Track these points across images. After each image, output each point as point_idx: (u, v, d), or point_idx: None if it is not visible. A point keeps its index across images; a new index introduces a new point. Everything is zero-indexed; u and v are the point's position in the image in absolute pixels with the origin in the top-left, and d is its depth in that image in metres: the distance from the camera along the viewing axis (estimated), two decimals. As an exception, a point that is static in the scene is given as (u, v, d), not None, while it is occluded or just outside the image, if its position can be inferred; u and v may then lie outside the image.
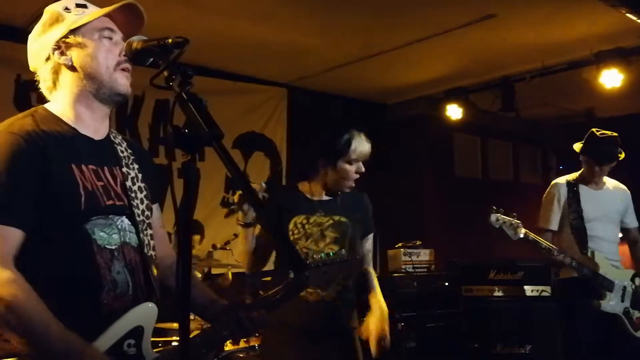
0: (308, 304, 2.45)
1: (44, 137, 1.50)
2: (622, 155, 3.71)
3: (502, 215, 3.26)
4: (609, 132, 3.74)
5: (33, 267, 1.46)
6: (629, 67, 5.08)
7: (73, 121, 1.59)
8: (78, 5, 1.60)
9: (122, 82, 1.59)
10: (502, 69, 5.77)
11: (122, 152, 1.68)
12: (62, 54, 1.57)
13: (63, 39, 1.56)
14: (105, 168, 1.61)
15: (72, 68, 1.57)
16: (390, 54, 5.28)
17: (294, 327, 2.46)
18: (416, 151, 6.97)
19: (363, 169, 2.56)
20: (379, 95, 6.75)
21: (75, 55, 1.56)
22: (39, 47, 1.60)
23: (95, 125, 1.62)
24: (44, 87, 1.62)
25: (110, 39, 1.59)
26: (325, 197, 2.59)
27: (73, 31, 1.56)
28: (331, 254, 1.94)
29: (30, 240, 1.46)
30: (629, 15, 4.41)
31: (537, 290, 5.10)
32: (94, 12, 1.60)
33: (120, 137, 1.73)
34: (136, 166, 1.70)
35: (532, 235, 3.35)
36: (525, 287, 5.19)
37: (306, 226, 2.49)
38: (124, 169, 1.65)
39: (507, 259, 5.33)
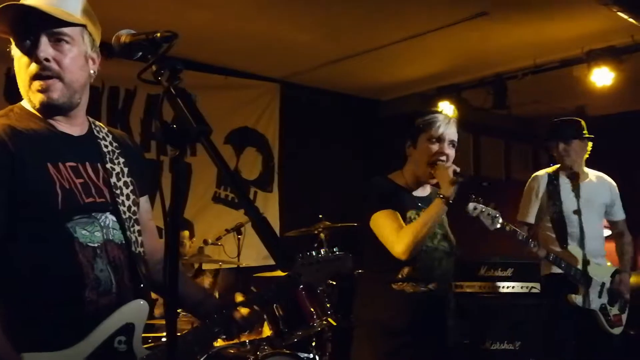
0: (409, 297, 2.32)
1: (17, 138, 1.47)
2: (587, 134, 3.71)
3: (480, 204, 3.25)
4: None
5: (18, 266, 1.46)
6: (620, 65, 5.10)
7: (45, 119, 1.55)
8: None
9: (38, 98, 1.50)
10: (495, 66, 5.78)
11: (106, 147, 1.65)
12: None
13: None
14: (87, 164, 1.58)
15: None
16: (383, 51, 5.28)
17: (396, 328, 2.31)
18: (408, 148, 6.97)
19: (450, 152, 2.39)
20: (372, 91, 6.75)
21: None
22: None
23: (69, 124, 1.59)
24: None
25: (24, 44, 1.49)
26: (422, 193, 2.48)
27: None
28: (322, 252, 1.92)
29: (14, 240, 1.45)
30: (620, 14, 4.43)
31: (527, 287, 5.13)
32: None
33: (105, 131, 1.69)
34: (122, 160, 1.66)
35: (509, 226, 3.30)
36: (515, 283, 5.22)
37: None
38: (108, 165, 1.62)
39: (497, 255, 5.35)
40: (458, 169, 2.32)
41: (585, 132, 3.74)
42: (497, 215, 3.22)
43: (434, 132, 2.38)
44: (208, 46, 5.09)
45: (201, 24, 4.58)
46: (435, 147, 2.38)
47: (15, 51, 1.52)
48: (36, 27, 1.48)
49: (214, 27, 4.72)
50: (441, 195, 2.29)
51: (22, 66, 1.50)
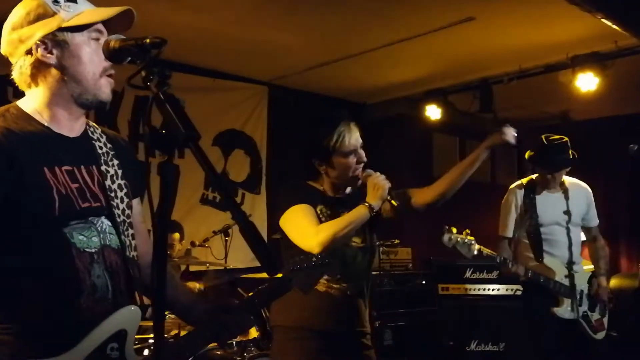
0: (330, 299, 2.30)
1: (14, 140, 1.45)
2: (575, 156, 3.66)
3: (454, 235, 3.23)
4: (557, 137, 3.67)
5: (12, 271, 1.44)
6: (604, 71, 5.17)
7: (47, 120, 1.53)
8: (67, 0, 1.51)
9: (106, 90, 1.54)
10: (481, 71, 5.84)
11: (101, 148, 1.63)
12: (48, 50, 1.48)
13: (51, 36, 1.48)
14: (82, 167, 1.56)
15: (56, 67, 1.50)
16: (370, 54, 5.30)
17: (313, 329, 2.30)
18: (395, 151, 7.00)
19: (364, 157, 2.37)
20: (358, 94, 6.77)
21: (61, 55, 1.49)
22: (19, 37, 1.50)
23: (70, 124, 1.57)
24: (20, 79, 1.54)
25: (98, 40, 1.52)
26: (338, 195, 2.45)
27: (63, 28, 1.48)
28: (312, 257, 1.91)
29: (8, 245, 1.43)
30: (604, 20, 4.49)
31: (512, 289, 5.19)
32: (87, 11, 1.51)
33: (99, 131, 1.67)
34: (116, 162, 1.64)
35: (486, 250, 3.33)
36: (500, 286, 5.29)
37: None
38: (103, 167, 1.60)
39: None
40: (389, 185, 2.29)
41: (572, 153, 3.67)
42: (472, 242, 3.26)
43: (345, 147, 2.32)
44: (197, 49, 5.09)
45: (190, 27, 4.59)
46: (352, 159, 2.35)
47: (86, 37, 1.51)
48: (111, 31, 1.54)
49: (202, 30, 4.73)
50: (367, 203, 2.24)
51: (94, 58, 1.51)
